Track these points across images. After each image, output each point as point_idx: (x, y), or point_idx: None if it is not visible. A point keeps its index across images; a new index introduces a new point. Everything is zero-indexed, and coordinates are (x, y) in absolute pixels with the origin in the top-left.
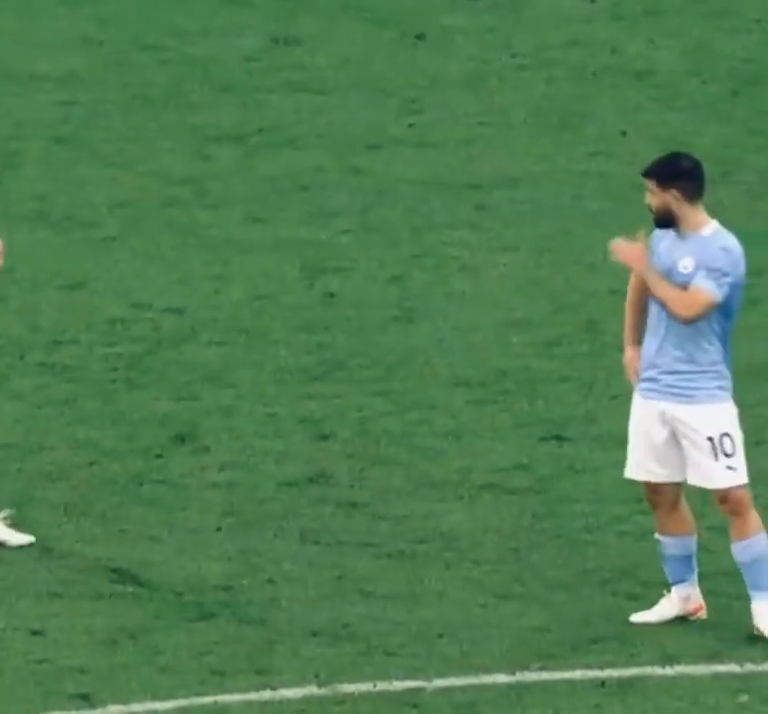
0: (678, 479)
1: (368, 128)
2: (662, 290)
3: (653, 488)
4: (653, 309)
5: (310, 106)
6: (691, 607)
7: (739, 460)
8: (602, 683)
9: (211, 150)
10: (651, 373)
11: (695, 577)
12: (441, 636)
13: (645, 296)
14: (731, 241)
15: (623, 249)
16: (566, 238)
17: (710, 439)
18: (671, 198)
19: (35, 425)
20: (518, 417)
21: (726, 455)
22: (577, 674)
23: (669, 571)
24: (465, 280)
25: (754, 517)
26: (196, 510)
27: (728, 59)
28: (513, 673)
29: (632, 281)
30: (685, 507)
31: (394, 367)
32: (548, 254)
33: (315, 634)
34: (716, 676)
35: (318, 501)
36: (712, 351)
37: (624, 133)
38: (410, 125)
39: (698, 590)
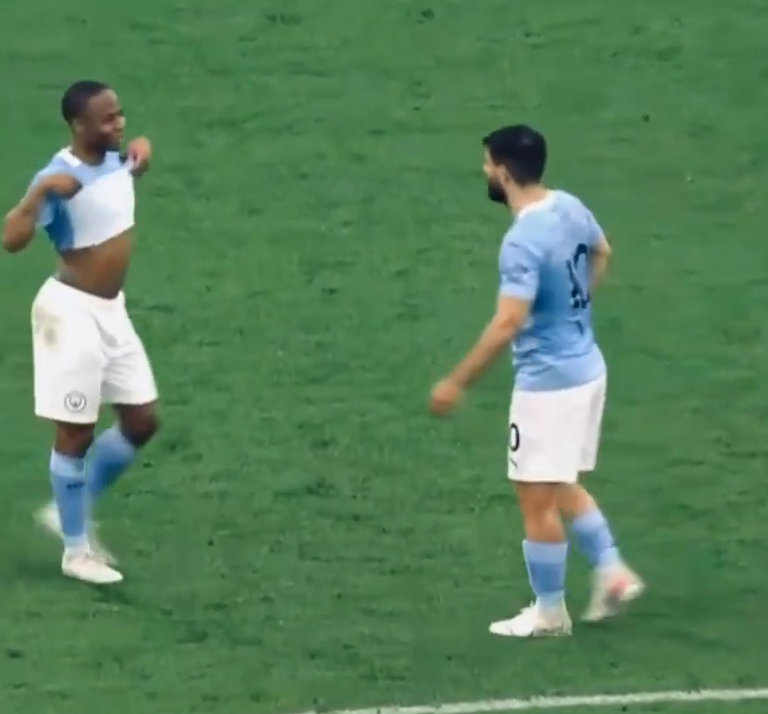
0: None
1: (371, 112)
2: (471, 362)
3: None
4: None
5: (308, 89)
6: (611, 586)
7: (521, 456)
8: (624, 709)
9: (203, 136)
10: None
11: (605, 554)
12: (449, 657)
13: None
14: (523, 231)
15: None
16: None
17: (510, 426)
18: (500, 174)
19: (14, 432)
20: None
21: (511, 448)
22: (597, 700)
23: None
24: (475, 275)
25: (536, 522)
26: (187, 522)
27: (757, 37)
28: (527, 698)
29: None
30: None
31: (399, 368)
32: None
33: (314, 656)
34: (746, 702)
35: (317, 513)
36: (526, 342)
37: (646, 118)
38: (416, 109)
39: (611, 567)
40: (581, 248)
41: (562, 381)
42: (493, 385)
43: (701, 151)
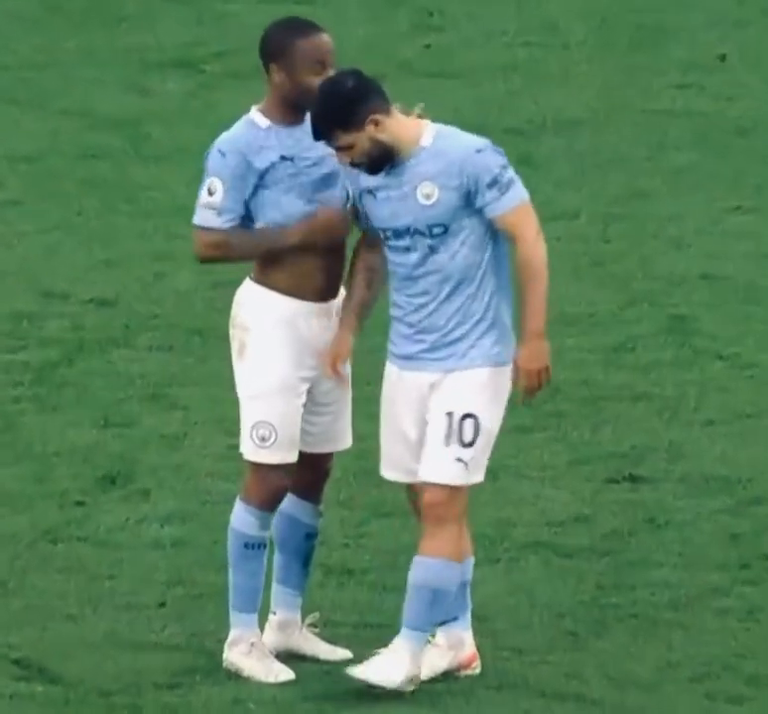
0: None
1: (369, 51)
2: (540, 301)
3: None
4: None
5: None
6: (463, 657)
7: (476, 455)
8: None
9: (152, 81)
10: None
11: (468, 615)
12: None
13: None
14: (471, 136)
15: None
16: (642, 202)
17: (461, 417)
18: (375, 130)
19: None
20: (576, 451)
21: (461, 444)
22: None
23: None
24: None
25: (454, 537)
26: (131, 578)
27: None
28: None
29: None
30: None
31: None
32: (617, 224)
33: None
34: None
35: None
36: (486, 292)
37: (722, 57)
38: (427, 47)
39: (470, 633)
40: None
41: (513, 350)
42: (525, 401)
43: None
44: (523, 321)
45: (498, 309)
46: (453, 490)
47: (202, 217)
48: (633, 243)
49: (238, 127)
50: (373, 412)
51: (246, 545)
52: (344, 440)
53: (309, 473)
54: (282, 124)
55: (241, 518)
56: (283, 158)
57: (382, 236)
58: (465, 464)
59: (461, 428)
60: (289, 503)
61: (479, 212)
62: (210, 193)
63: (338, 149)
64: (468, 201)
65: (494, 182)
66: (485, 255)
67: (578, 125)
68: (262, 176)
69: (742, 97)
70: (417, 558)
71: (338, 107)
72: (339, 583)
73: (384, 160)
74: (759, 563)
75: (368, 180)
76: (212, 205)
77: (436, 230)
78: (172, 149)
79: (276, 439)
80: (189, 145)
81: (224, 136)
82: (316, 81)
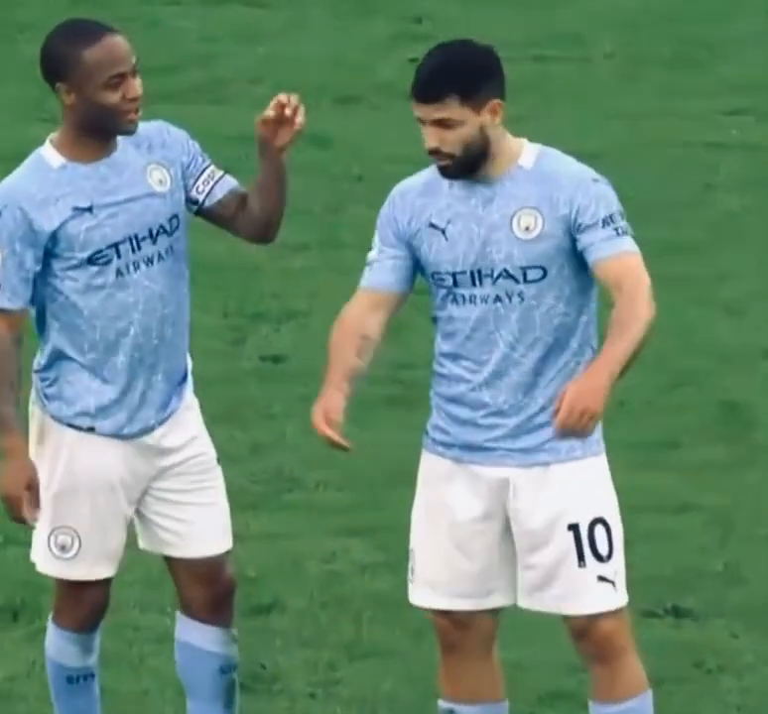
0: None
1: (338, 67)
2: (625, 349)
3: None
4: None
5: (234, 29)
6: None
7: (617, 568)
8: None
9: (36, 133)
10: None
11: None
12: None
13: None
14: (580, 163)
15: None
16: (683, 259)
17: (590, 523)
18: (488, 120)
19: None
20: None
21: (597, 557)
22: None
23: None
24: None
25: (639, 663)
26: None
27: None
28: None
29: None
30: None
31: (387, 486)
32: (652, 286)
33: None
34: None
35: None
36: (571, 365)
37: None
38: (412, 60)
39: None
40: None
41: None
42: None
43: None
44: (600, 356)
45: None
46: (615, 615)
47: None
48: (673, 311)
49: (21, 170)
50: (345, 524)
51: (70, 680)
52: (218, 541)
53: (202, 588)
54: (82, 160)
55: (58, 646)
56: (77, 209)
57: (442, 289)
58: (612, 583)
59: (593, 540)
60: (185, 630)
61: (577, 258)
62: None
63: (436, 122)
64: (570, 240)
65: (611, 220)
66: (581, 318)
67: (600, 159)
68: (54, 238)
69: None
70: (610, 709)
71: (467, 70)
72: None
73: (474, 165)
74: None
75: (436, 211)
76: None
77: (531, 274)
78: None
79: (79, 550)
80: None
81: (1, 184)
82: (115, 98)
